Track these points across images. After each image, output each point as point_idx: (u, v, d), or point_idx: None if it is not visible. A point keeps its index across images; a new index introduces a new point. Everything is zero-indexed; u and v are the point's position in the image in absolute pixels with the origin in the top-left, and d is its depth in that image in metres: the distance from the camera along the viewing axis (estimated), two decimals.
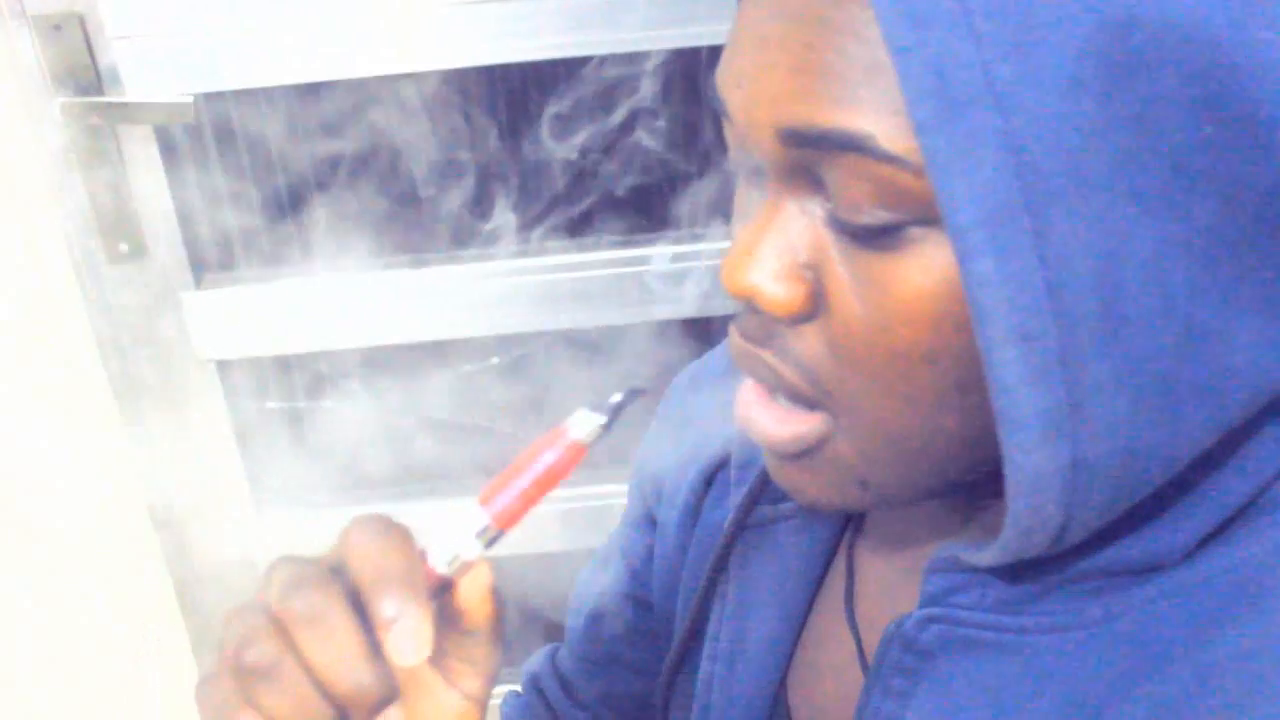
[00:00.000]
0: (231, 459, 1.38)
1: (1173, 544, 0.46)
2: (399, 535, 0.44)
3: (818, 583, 0.62)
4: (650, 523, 0.74)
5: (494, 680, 0.49)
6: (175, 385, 1.32)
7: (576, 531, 1.36)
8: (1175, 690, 0.44)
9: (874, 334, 0.43)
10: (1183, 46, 0.37)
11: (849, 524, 0.62)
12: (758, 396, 0.48)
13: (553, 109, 1.18)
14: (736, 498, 0.64)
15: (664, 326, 1.30)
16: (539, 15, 1.14)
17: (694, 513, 0.68)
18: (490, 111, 1.31)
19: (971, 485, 0.48)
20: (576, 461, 0.46)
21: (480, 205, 1.28)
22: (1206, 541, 0.46)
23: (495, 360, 1.40)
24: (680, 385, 0.74)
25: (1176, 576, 0.46)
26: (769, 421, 0.48)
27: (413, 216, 1.32)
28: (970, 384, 0.42)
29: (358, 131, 1.24)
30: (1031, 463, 0.41)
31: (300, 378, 1.44)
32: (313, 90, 1.23)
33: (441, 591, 0.46)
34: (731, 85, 0.44)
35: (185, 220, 1.25)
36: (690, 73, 1.23)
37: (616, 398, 0.47)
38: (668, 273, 1.24)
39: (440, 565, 0.45)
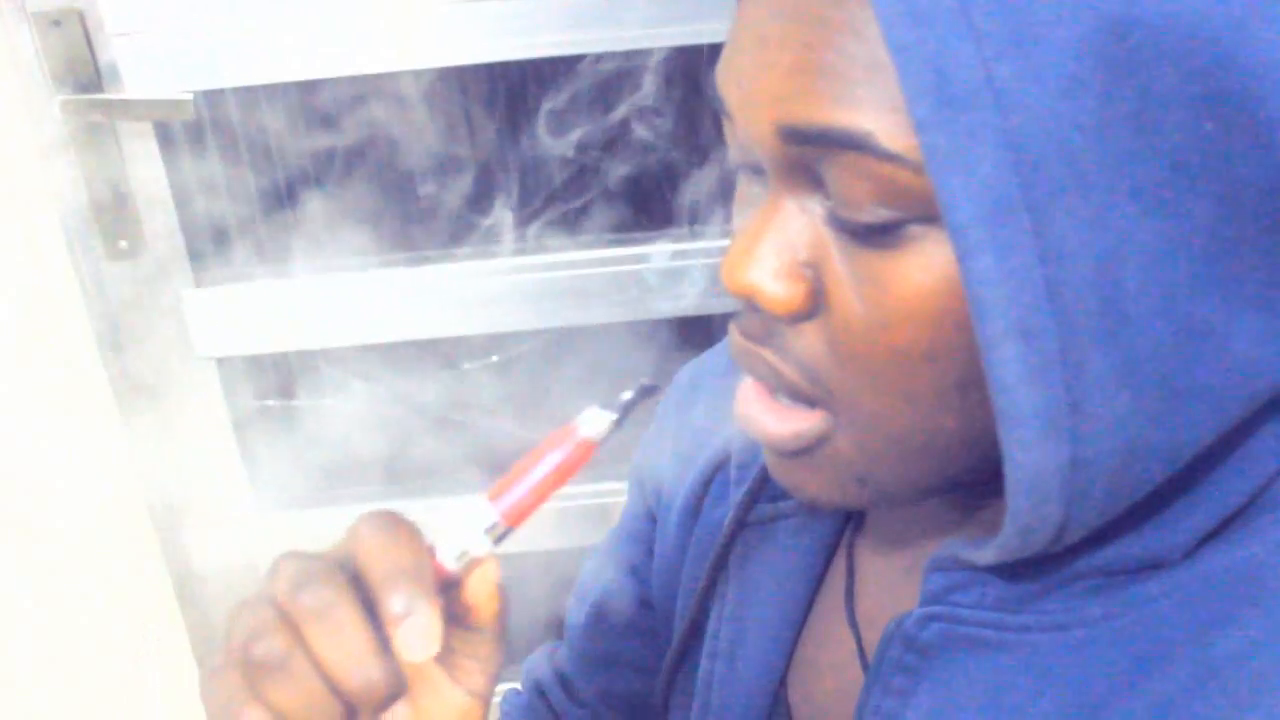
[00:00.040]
0: (231, 457, 1.38)
1: (1173, 542, 0.46)
2: (408, 531, 0.44)
3: (818, 581, 0.62)
4: (650, 521, 0.74)
5: (497, 678, 0.49)
6: (174, 382, 1.32)
7: (576, 530, 1.36)
8: (1176, 689, 0.44)
9: (874, 332, 0.43)
10: (1182, 44, 0.37)
11: (849, 522, 0.62)
12: (758, 394, 0.48)
13: (552, 106, 1.18)
14: (736, 496, 0.64)
15: (663, 325, 1.30)
16: (539, 13, 1.14)
17: (694, 511, 0.68)
18: (489, 109, 1.31)
19: (972, 483, 0.48)
20: (586, 459, 0.47)
21: (479, 203, 1.28)
22: (1207, 540, 0.46)
23: (495, 358, 1.40)
24: (680, 384, 0.74)
25: (1177, 575, 0.46)
26: (769, 419, 0.48)
27: (412, 214, 1.32)
28: (970, 382, 0.42)
29: (357, 129, 1.24)
30: (1031, 460, 0.41)
31: (299, 375, 1.44)
32: (313, 88, 1.23)
33: (448, 588, 0.46)
34: (731, 84, 0.44)
35: (184, 217, 1.25)
36: (690, 70, 1.23)
37: (628, 395, 0.47)
38: (666, 270, 1.24)
39: (449, 561, 0.45)
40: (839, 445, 0.47)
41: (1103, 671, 0.46)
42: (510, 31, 1.15)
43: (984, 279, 0.38)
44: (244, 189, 1.31)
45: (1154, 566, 0.47)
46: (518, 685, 0.84)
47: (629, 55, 1.15)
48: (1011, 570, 0.49)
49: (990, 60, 0.37)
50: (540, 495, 0.46)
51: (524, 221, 1.27)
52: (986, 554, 0.47)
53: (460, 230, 1.28)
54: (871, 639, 0.58)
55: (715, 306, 1.27)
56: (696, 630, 0.66)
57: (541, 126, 1.19)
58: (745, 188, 0.48)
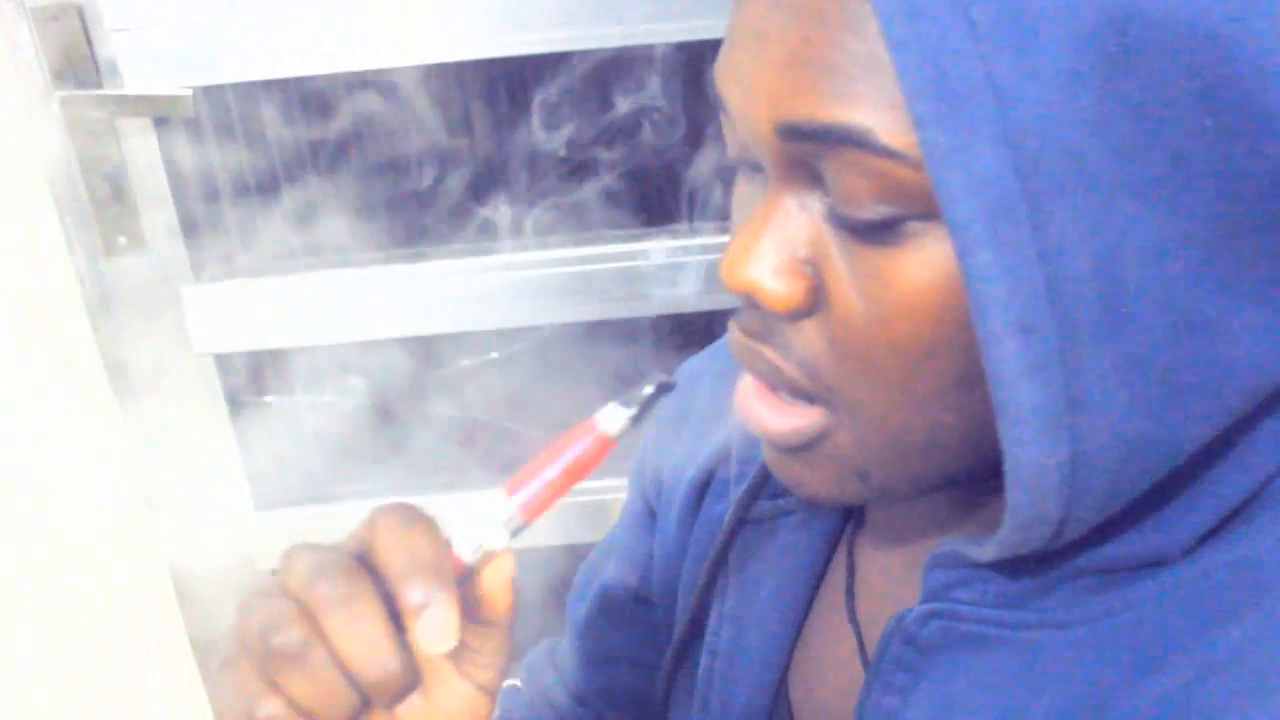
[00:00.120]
0: (230, 454, 1.37)
1: (1174, 539, 0.46)
2: (425, 524, 0.44)
3: (818, 578, 0.62)
4: (651, 518, 0.74)
5: (505, 673, 0.49)
6: (174, 379, 1.32)
7: (576, 527, 1.36)
8: (1177, 686, 0.44)
9: (874, 329, 0.43)
10: (1181, 39, 0.37)
11: (850, 519, 0.62)
12: (757, 390, 0.48)
13: (551, 101, 1.18)
14: (737, 493, 0.64)
15: (663, 321, 1.30)
16: (538, 9, 1.14)
17: (694, 508, 0.68)
18: (489, 104, 1.30)
19: (972, 480, 0.48)
20: (605, 454, 0.47)
21: (480, 199, 1.28)
22: (1208, 537, 0.46)
23: (494, 355, 1.40)
24: (681, 380, 0.74)
25: (1178, 572, 0.46)
26: (768, 415, 0.48)
27: (412, 210, 1.31)
28: (970, 378, 0.42)
29: (358, 125, 1.24)
30: (1030, 456, 0.41)
31: (298, 372, 1.43)
32: (313, 84, 1.23)
33: (463, 581, 0.46)
34: (730, 81, 0.44)
35: (184, 213, 1.24)
36: (690, 66, 1.23)
37: (648, 390, 0.47)
38: (666, 267, 1.24)
39: (465, 554, 0.45)
40: (839, 441, 0.47)
41: (1103, 669, 0.46)
42: (509, 27, 1.15)
43: (984, 275, 0.38)
44: (244, 184, 1.31)
45: (1155, 564, 0.47)
46: (517, 682, 0.84)
47: (628, 50, 1.15)
48: (1012, 567, 0.49)
49: (989, 56, 0.37)
50: (558, 490, 0.46)
51: (523, 217, 1.27)
52: (987, 551, 0.47)
53: (460, 226, 1.28)
54: (872, 636, 0.58)
55: (716, 303, 1.27)
56: (697, 627, 0.66)
57: (540, 122, 1.19)
58: (744, 184, 0.48)
